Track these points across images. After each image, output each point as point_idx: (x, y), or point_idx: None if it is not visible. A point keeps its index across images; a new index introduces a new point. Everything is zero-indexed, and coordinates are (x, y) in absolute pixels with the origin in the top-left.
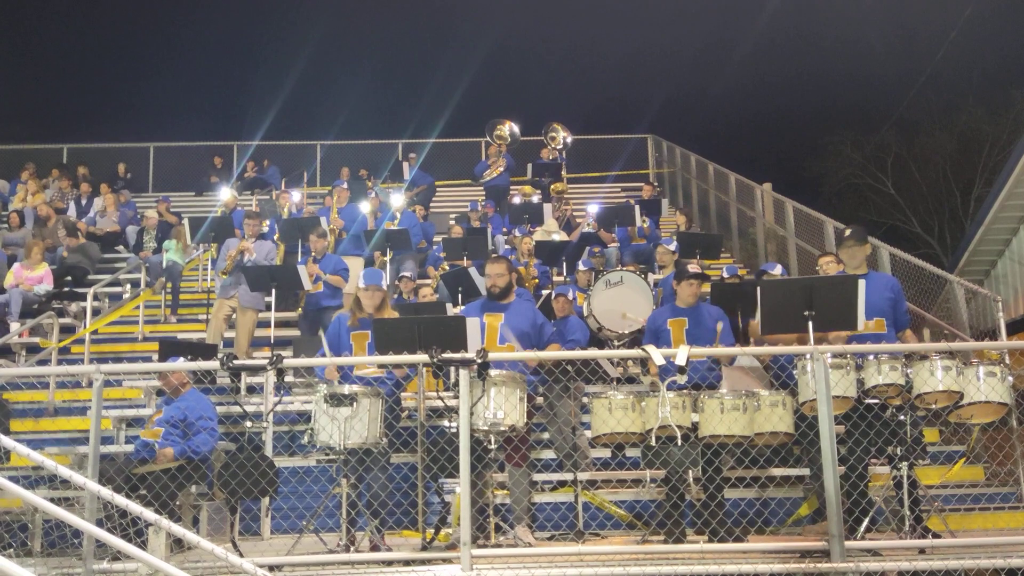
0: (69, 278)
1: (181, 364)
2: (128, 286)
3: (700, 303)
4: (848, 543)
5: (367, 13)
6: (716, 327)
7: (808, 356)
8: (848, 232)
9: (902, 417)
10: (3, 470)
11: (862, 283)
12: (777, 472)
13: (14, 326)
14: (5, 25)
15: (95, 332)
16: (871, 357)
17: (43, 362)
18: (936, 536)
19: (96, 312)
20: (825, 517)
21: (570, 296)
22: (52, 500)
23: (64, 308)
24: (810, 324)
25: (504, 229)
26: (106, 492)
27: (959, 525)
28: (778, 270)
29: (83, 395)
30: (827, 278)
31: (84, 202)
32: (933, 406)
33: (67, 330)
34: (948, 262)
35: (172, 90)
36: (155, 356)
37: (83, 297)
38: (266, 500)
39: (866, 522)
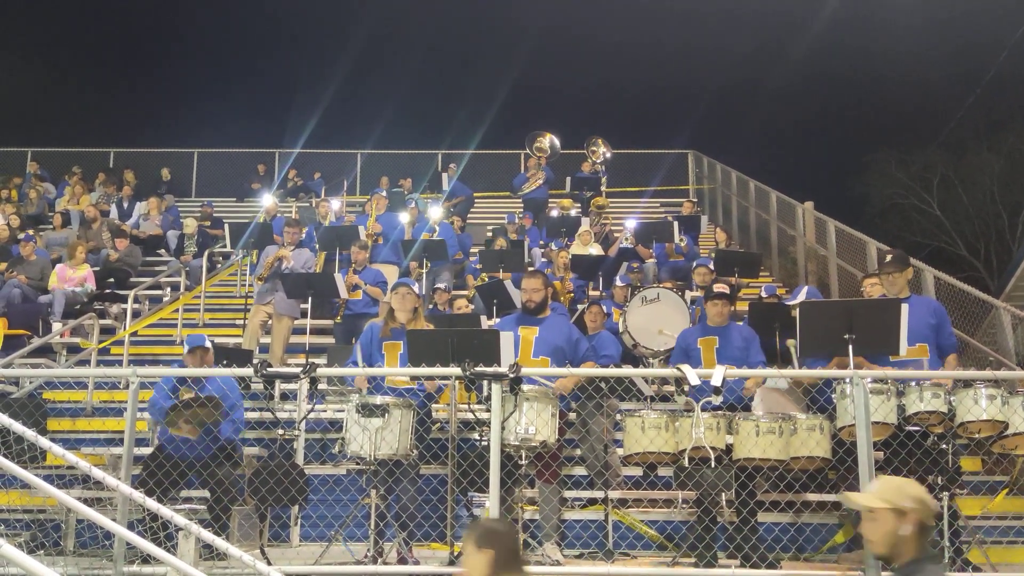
0: (112, 280)
1: (216, 370)
2: (168, 289)
3: (732, 323)
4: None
5: (408, 24)
6: (745, 347)
7: (847, 380)
8: (888, 258)
9: (944, 446)
10: (39, 469)
11: (905, 307)
12: (813, 497)
13: (56, 326)
14: (55, 32)
15: (134, 334)
16: (913, 383)
17: (83, 363)
18: (976, 569)
19: (136, 314)
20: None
21: (604, 310)
22: (85, 501)
23: (105, 309)
24: (850, 348)
25: (541, 242)
26: (138, 495)
27: (1000, 558)
28: (802, 295)
29: (120, 396)
30: (868, 301)
31: (126, 205)
32: (976, 435)
33: (107, 331)
34: (994, 286)
35: (216, 98)
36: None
37: (124, 299)
38: (296, 508)
39: None
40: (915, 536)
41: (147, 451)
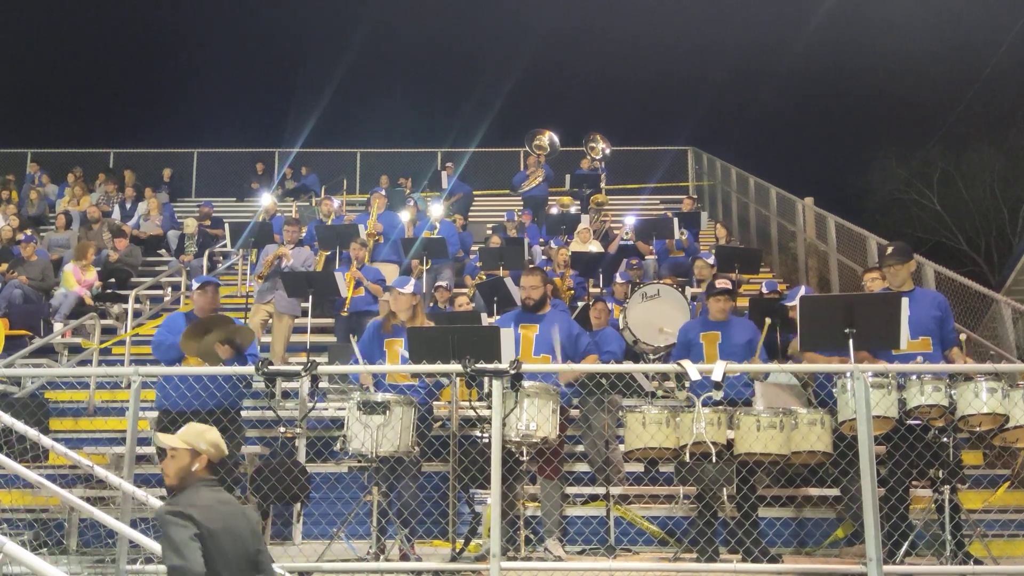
0: (113, 280)
1: (218, 368)
2: (169, 289)
3: (733, 318)
4: (887, 567)
5: (408, 23)
6: (747, 342)
7: (848, 374)
8: (889, 250)
9: (945, 439)
10: (41, 468)
11: (905, 301)
12: (814, 492)
13: (57, 326)
14: (55, 33)
15: (136, 334)
16: (914, 377)
17: (84, 362)
18: (978, 562)
19: (137, 314)
20: (863, 540)
21: (608, 306)
22: (88, 500)
23: (106, 309)
24: (851, 342)
25: (541, 240)
26: (140, 493)
27: (1002, 551)
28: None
29: (122, 396)
30: (869, 295)
31: (128, 206)
32: (977, 429)
33: (108, 331)
34: (995, 281)
35: (216, 97)
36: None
37: (125, 299)
38: (298, 505)
39: (905, 546)
40: (202, 470)
41: (149, 451)
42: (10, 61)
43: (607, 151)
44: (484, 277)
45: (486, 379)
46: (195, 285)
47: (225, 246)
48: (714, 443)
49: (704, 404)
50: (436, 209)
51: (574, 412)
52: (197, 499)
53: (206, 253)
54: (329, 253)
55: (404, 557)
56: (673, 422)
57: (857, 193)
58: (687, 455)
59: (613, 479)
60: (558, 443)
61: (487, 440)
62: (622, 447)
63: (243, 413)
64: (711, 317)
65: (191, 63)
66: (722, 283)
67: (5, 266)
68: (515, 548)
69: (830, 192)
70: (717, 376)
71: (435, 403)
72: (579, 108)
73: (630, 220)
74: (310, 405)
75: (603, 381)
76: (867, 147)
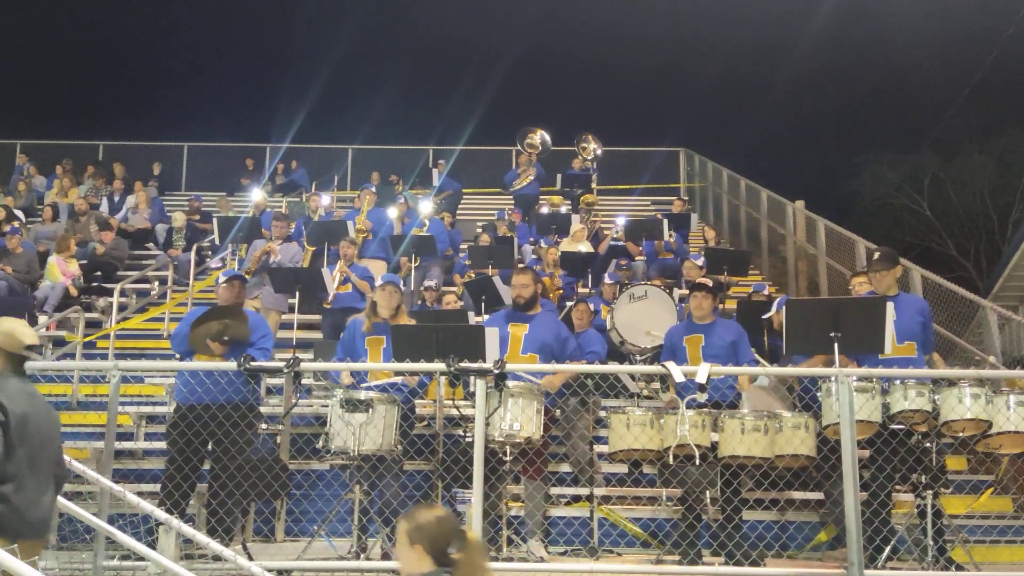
0: (99, 273)
1: (196, 364)
2: (156, 283)
3: (718, 319)
4: (868, 572)
5: (398, 19)
6: (731, 343)
7: (833, 378)
8: (876, 256)
9: (928, 444)
10: None
11: (890, 305)
12: (797, 495)
13: (42, 319)
14: (44, 25)
15: (121, 327)
16: (898, 382)
17: (68, 356)
18: (960, 568)
19: (123, 308)
20: (845, 544)
21: (592, 307)
22: (66, 495)
23: (92, 303)
24: (836, 346)
25: (531, 239)
26: (118, 489)
27: (984, 558)
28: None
29: (104, 390)
30: (855, 299)
31: (116, 199)
32: (960, 434)
33: (93, 324)
34: (983, 286)
35: (206, 92)
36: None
37: (111, 292)
38: (279, 503)
39: (887, 551)
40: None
41: (128, 445)
42: (0, 52)
43: (598, 152)
44: (473, 275)
45: (471, 378)
46: (222, 279)
47: (213, 240)
48: (698, 445)
49: (688, 406)
50: (425, 206)
51: (558, 412)
52: (6, 386)
53: (194, 247)
54: (316, 249)
55: (385, 556)
56: (657, 424)
57: (848, 197)
58: (671, 457)
59: (596, 480)
60: (542, 443)
61: (471, 439)
62: (599, 448)
63: None
64: (694, 318)
65: (182, 57)
66: (701, 280)
67: None
68: (497, 548)
69: (821, 196)
70: (701, 378)
71: (419, 402)
72: (571, 107)
73: (621, 221)
74: (293, 402)
75: (588, 382)
76: (858, 151)
